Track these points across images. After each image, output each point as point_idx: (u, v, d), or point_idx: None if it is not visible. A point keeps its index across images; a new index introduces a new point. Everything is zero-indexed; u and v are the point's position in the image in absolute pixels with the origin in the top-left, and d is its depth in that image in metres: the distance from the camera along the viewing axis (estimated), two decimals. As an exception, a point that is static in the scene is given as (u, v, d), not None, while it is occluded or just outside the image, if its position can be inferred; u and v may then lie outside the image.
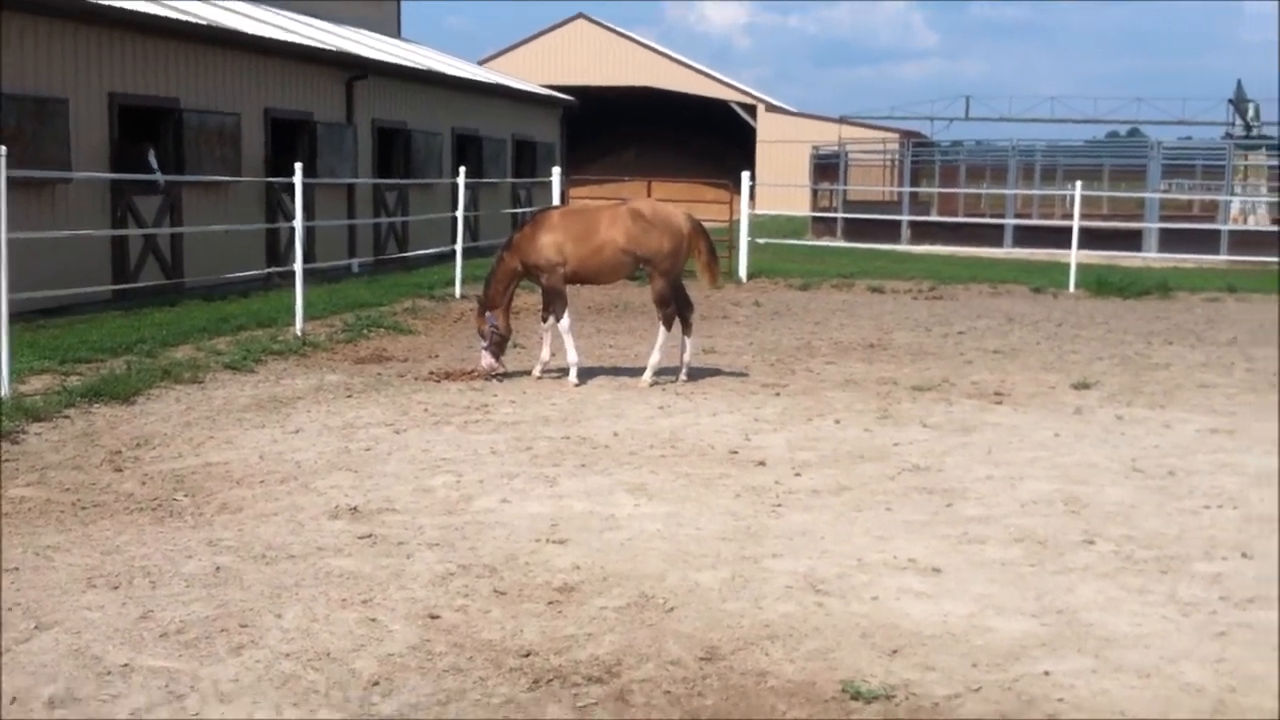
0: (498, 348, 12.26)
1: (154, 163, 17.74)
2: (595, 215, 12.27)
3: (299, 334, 14.11)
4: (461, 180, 19.91)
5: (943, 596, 6.03)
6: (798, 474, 8.48)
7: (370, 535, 6.81)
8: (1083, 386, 12.24)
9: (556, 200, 24.42)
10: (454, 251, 19.99)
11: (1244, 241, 29.05)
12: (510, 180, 29.86)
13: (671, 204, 12.90)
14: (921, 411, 10.88)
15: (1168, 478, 8.61)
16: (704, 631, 5.52)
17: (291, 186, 15.98)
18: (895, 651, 5.33)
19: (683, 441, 9.46)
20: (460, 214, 19.61)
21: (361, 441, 9.16)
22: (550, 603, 5.83)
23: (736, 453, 9.10)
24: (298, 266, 14.62)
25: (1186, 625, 5.70)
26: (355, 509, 7.33)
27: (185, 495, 7.61)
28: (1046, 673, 5.14)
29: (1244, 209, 33.21)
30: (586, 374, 12.40)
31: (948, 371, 13.12)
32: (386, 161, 25.03)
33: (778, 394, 11.64)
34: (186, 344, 13.13)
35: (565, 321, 12.13)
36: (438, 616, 5.60)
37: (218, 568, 6.19)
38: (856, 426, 10.16)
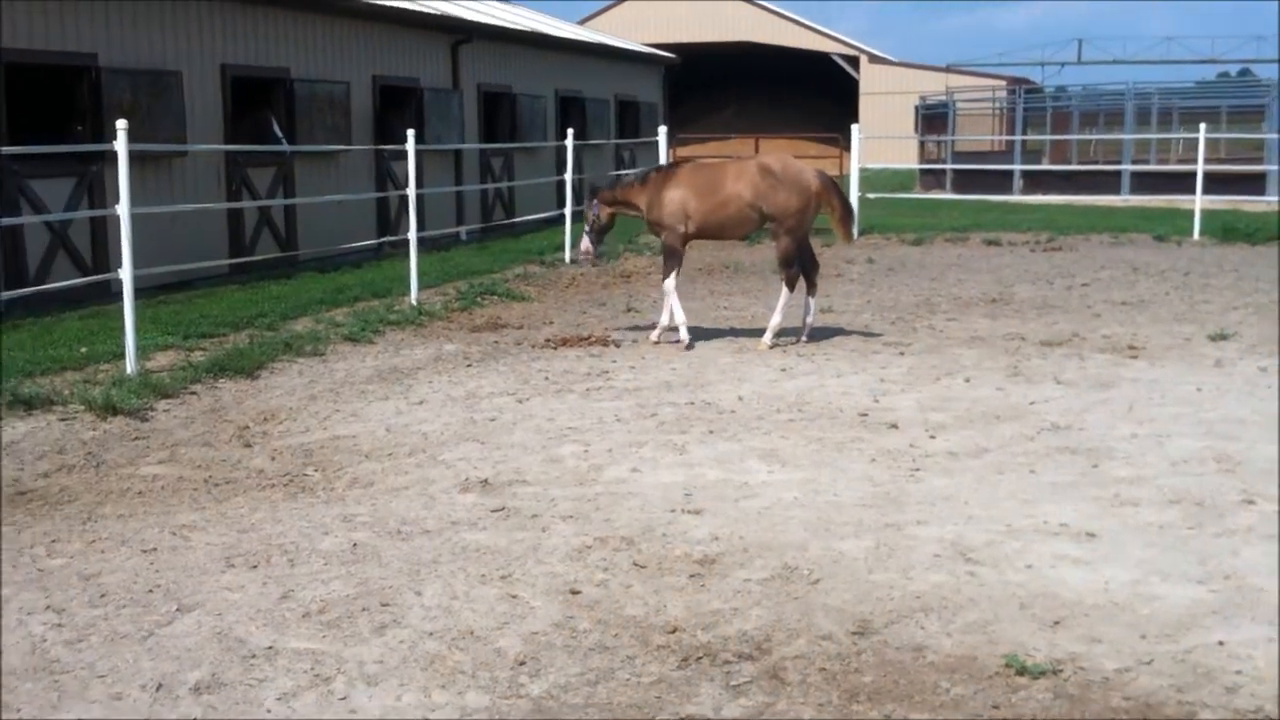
0: (597, 235, 12.65)
1: (278, 131, 17.86)
2: (722, 169, 12.05)
3: (414, 303, 14.11)
4: (570, 143, 19.77)
5: (1101, 563, 5.78)
6: (933, 436, 8.23)
7: (503, 508, 6.71)
8: (1220, 338, 11.79)
9: (663, 160, 24.21)
10: (561, 216, 19.89)
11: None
12: (615, 141, 29.66)
13: (801, 160, 12.63)
14: (1054, 368, 10.54)
15: (1324, 432, 8.22)
16: (853, 604, 5.33)
17: (399, 154, 15.97)
18: (1057, 623, 5.10)
19: (809, 405, 9.25)
20: (569, 177, 19.47)
21: (485, 411, 9.09)
22: (692, 575, 5.68)
23: (866, 415, 8.87)
24: (411, 235, 14.61)
25: (1367, 592, 5.39)
26: (486, 481, 7.25)
27: (315, 470, 7.59)
28: (1221, 643, 4.88)
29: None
30: (704, 336, 12.24)
31: (1076, 325, 12.72)
32: (492, 126, 24.98)
33: (902, 353, 11.36)
34: (305, 316, 13.19)
35: (670, 281, 11.97)
36: (579, 592, 5.49)
37: (354, 544, 6.14)
38: (988, 385, 9.86)
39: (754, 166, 11.82)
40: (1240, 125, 41.30)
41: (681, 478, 7.30)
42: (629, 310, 14.29)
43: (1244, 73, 76.83)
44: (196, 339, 11.56)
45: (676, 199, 11.86)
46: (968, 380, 10.07)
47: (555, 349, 11.80)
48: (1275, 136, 28.89)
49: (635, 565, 5.82)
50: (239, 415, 9.03)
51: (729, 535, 6.22)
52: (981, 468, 7.46)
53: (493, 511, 6.66)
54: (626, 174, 13.23)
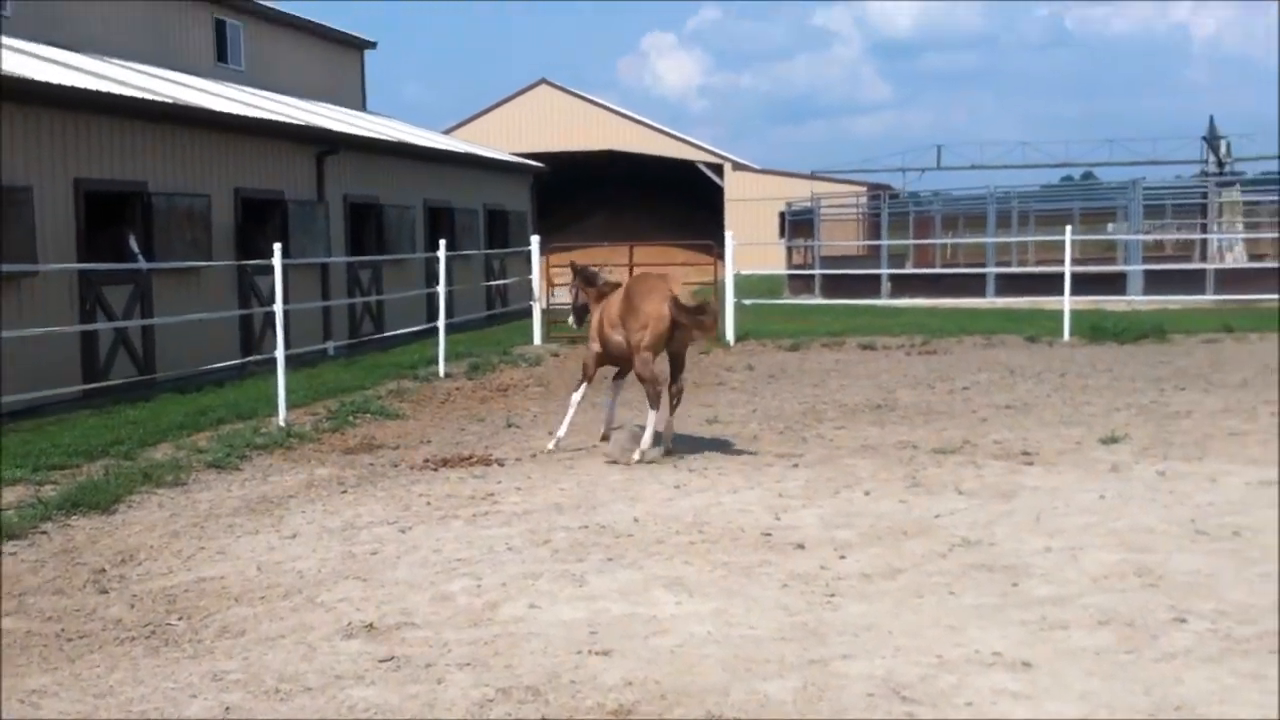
0: (577, 315, 12.92)
1: (135, 247, 17.11)
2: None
3: (283, 425, 13.41)
4: (443, 254, 19.31)
5: (1043, 697, 5.40)
6: (842, 556, 7.85)
7: (392, 657, 6.12)
8: (1111, 441, 11.70)
9: (535, 270, 23.88)
10: (430, 329, 19.37)
11: (1229, 279, 28.77)
12: (485, 251, 29.30)
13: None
14: (952, 477, 10.29)
15: (1234, 539, 8.04)
16: (788, 757, 4.87)
17: (262, 269, 15.37)
18: (1010, 771, 4.69)
19: (709, 525, 8.82)
20: (442, 289, 18.99)
21: (365, 544, 8.47)
22: (608, 730, 5.17)
23: (770, 535, 8.46)
24: (279, 353, 13.94)
25: (1324, 719, 5.09)
26: (371, 625, 6.64)
27: (180, 618, 6.91)
28: (1189, 789, 4.52)
29: (1220, 246, 33.06)
30: (591, 454, 11.78)
31: (965, 431, 12.55)
32: (358, 238, 24.44)
33: (795, 465, 11.03)
34: (165, 442, 12.39)
35: (575, 394, 12.31)
36: (484, 756, 4.94)
37: (227, 708, 5.49)
38: (889, 497, 9.55)
39: (623, 291, 11.84)
40: (1090, 226, 42.57)
41: (584, 613, 6.79)
42: (510, 426, 13.78)
43: (1087, 176, 79.73)
44: (47, 471, 10.74)
45: (596, 317, 12.12)
46: (868, 493, 9.75)
47: (435, 470, 11.22)
48: (1139, 237, 29.69)
49: (544, 720, 5.28)
50: (94, 557, 8.28)
51: (643, 680, 5.72)
52: (899, 590, 7.08)
53: (381, 662, 6.07)
54: (603, 272, 13.15)
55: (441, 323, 18.65)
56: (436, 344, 18.75)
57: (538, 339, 23.04)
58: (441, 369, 18.31)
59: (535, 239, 24.51)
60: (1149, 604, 6.70)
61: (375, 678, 5.85)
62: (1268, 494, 9.32)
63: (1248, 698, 5.35)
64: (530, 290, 24.16)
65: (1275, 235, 31.87)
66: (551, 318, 24.06)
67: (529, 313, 23.96)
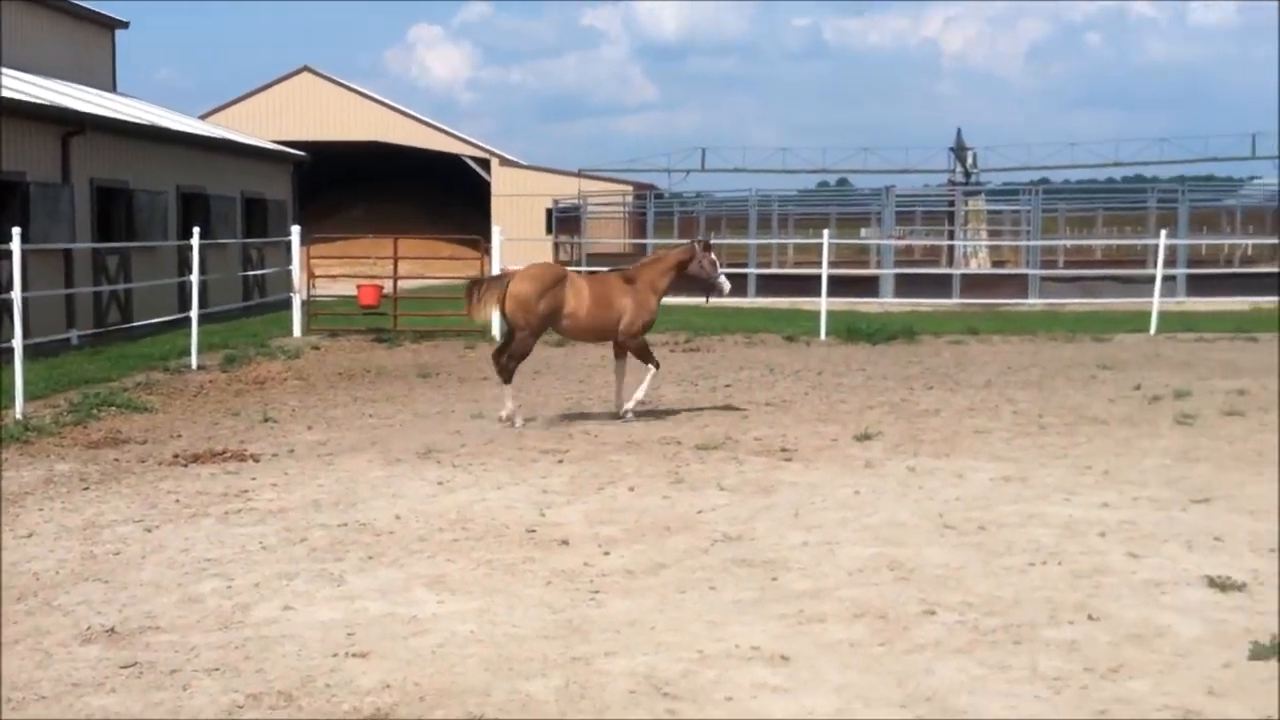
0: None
1: None
2: None
3: (20, 417, 12.65)
4: (196, 241, 18.57)
5: (800, 690, 5.48)
6: (606, 553, 7.83)
7: (135, 663, 5.79)
8: (865, 438, 12.04)
9: (295, 261, 23.24)
10: (183, 319, 18.62)
11: (974, 284, 30.12)
12: (242, 240, 28.34)
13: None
14: (714, 473, 10.42)
15: (980, 533, 8.36)
16: (550, 757, 4.80)
17: (1, 254, 14.50)
18: (769, 765, 4.73)
19: (473, 522, 8.69)
20: (195, 278, 18.25)
21: (108, 544, 8.03)
22: (365, 735, 5.00)
23: (534, 531, 8.39)
24: (17, 342, 13.15)
25: (1063, 705, 5.31)
26: (112, 630, 6.29)
27: (-102, 625, 6.40)
28: (940, 778, 4.64)
29: (966, 252, 34.59)
30: (351, 450, 11.50)
31: (727, 428, 12.74)
32: (107, 223, 23.28)
33: (561, 460, 10.99)
34: (-114, 435, 11.54)
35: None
36: (233, 765, 4.71)
37: (-52, 722, 5.10)
38: (653, 493, 9.60)
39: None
40: (846, 231, 44.02)
41: (341, 614, 6.58)
42: (266, 420, 13.32)
43: (842, 182, 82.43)
44: None
45: None
46: (632, 489, 9.78)
47: (185, 466, 10.75)
48: (887, 243, 30.78)
49: (297, 726, 5.08)
50: None
51: (402, 682, 5.56)
52: (662, 586, 7.10)
53: (122, 668, 5.74)
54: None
55: (194, 313, 17.94)
56: (189, 335, 18.03)
57: (297, 331, 22.43)
58: (194, 361, 17.61)
59: (296, 229, 23.85)
60: (901, 597, 6.89)
61: (116, 685, 5.53)
62: (1011, 490, 9.73)
63: (995, 687, 5.54)
64: (290, 281, 23.48)
65: (1017, 243, 33.55)
66: (312, 309, 23.48)
67: (288, 304, 23.28)
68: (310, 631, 6.28)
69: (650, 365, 13.68)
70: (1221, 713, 5.22)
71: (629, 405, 13.44)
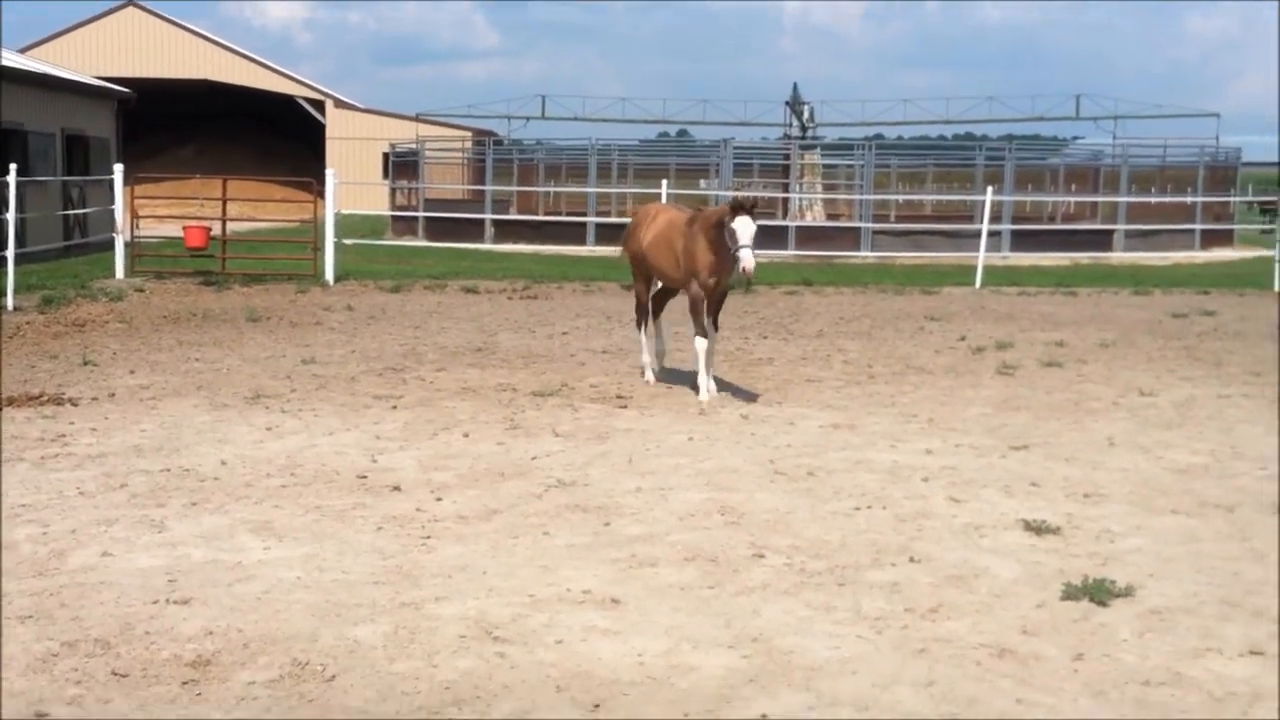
0: None
1: None
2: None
3: None
4: (13, 179, 17.76)
5: (630, 633, 5.52)
6: (439, 498, 7.77)
7: (-60, 612, 5.56)
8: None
9: (118, 200, 22.42)
10: (1, 259, 17.84)
11: (809, 236, 30.56)
12: (62, 179, 27.20)
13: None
14: (549, 419, 10.40)
15: (809, 478, 8.51)
16: (376, 703, 4.75)
17: None
18: (598, 706, 4.77)
19: (302, 467, 8.53)
20: (11, 216, 17.48)
21: (-87, 489, 7.68)
22: (185, 683, 4.88)
23: (365, 477, 8.27)
24: None
25: (884, 644, 5.45)
26: (-84, 578, 6.02)
27: None
28: (764, 716, 4.71)
29: (801, 205, 35.04)
30: (176, 392, 11.18)
31: (564, 375, 12.73)
32: (-87, 157, 22.11)
33: (394, 406, 10.85)
34: None
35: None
36: (45, 715, 4.55)
37: None
38: (488, 439, 9.55)
39: None
40: (685, 182, 44.23)
41: (163, 560, 6.40)
42: (86, 364, 12.85)
43: (682, 133, 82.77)
44: None
45: None
46: (466, 435, 9.71)
47: (-1, 410, 10.32)
48: (725, 194, 30.93)
49: (115, 675, 4.93)
50: None
51: (225, 629, 5.44)
52: (494, 531, 7.08)
53: (-74, 617, 5.50)
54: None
55: (10, 252, 17.23)
56: (4, 275, 17.26)
57: (120, 273, 21.67)
58: (10, 302, 16.89)
59: (119, 168, 23.00)
60: (731, 541, 6.98)
61: (-81, 636, 5.29)
62: (840, 436, 9.92)
63: (820, 628, 5.65)
64: (113, 221, 22.64)
65: (850, 196, 34.11)
66: (137, 250, 22.70)
67: (111, 245, 22.46)
68: (130, 579, 6.09)
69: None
70: (1034, 650, 5.41)
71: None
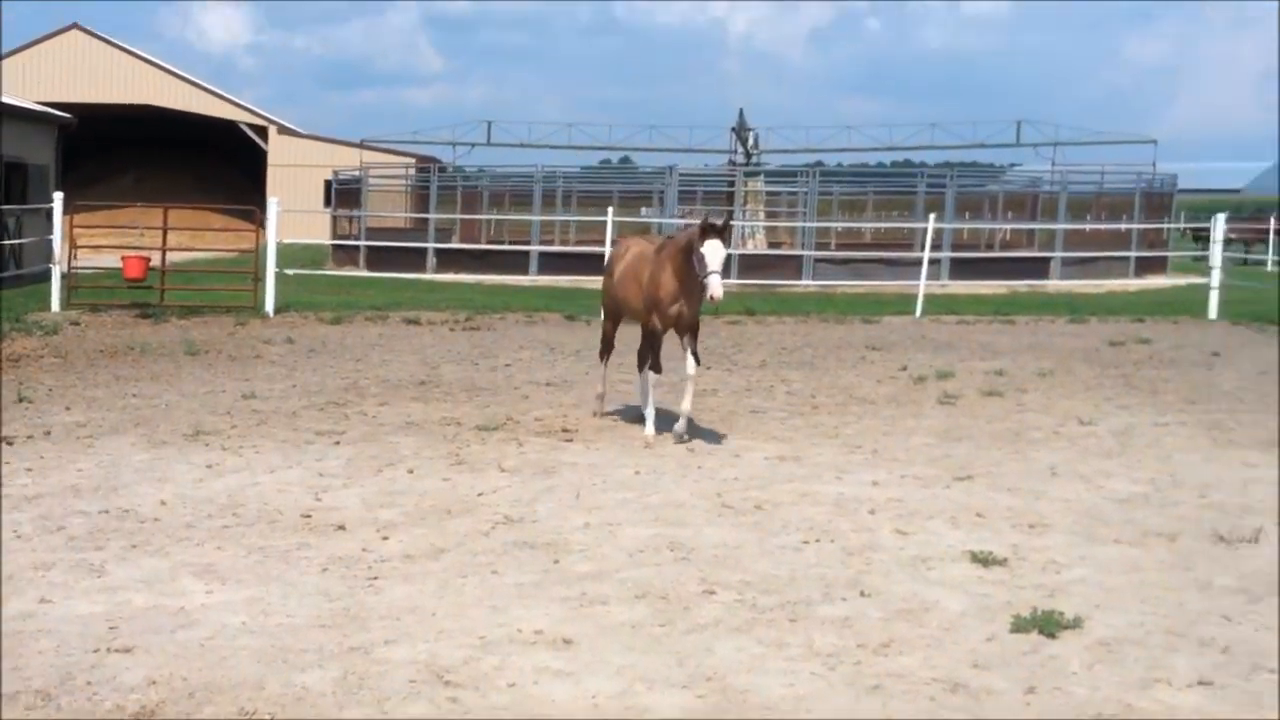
0: None
1: None
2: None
3: None
4: (-57, 210, 17.47)
5: (583, 673, 5.49)
6: (385, 537, 7.69)
7: (-127, 664, 5.42)
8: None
9: (57, 230, 22.11)
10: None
11: (751, 265, 30.68)
12: (-3, 208, 26.79)
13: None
14: (495, 454, 10.35)
15: (757, 512, 8.52)
16: (326, 751, 4.68)
17: None
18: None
19: (244, 507, 8.42)
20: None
21: None
22: (128, 734, 4.78)
23: (310, 516, 8.18)
24: None
25: (838, 681, 5.45)
26: None
27: None
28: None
29: (744, 233, 35.18)
30: (113, 432, 11.01)
31: (508, 408, 12.67)
32: None
33: (337, 442, 10.75)
34: None
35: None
36: (-17, 771, 4.44)
37: None
38: (433, 476, 9.48)
39: None
40: (628, 209, 44.33)
41: (103, 607, 6.28)
42: (20, 400, 12.62)
43: (625, 160, 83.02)
44: None
45: None
46: (411, 471, 9.63)
47: (-68, 450, 10.11)
48: (670, 222, 31.05)
49: (55, 727, 4.83)
50: None
51: (169, 677, 5.34)
52: (442, 571, 7.02)
53: None
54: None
55: (-57, 285, 16.88)
56: (-63, 308, 16.97)
57: (56, 305, 21.34)
58: (-58, 336, 16.59)
59: (58, 196, 22.70)
60: (681, 577, 6.96)
61: None
62: (785, 469, 9.94)
63: (774, 665, 5.64)
64: (50, 252, 22.32)
65: (792, 224, 34.31)
66: (73, 281, 22.39)
67: (47, 276, 22.13)
68: (69, 626, 5.98)
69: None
70: (986, 685, 5.43)
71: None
